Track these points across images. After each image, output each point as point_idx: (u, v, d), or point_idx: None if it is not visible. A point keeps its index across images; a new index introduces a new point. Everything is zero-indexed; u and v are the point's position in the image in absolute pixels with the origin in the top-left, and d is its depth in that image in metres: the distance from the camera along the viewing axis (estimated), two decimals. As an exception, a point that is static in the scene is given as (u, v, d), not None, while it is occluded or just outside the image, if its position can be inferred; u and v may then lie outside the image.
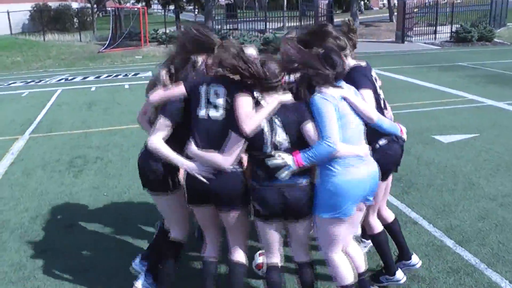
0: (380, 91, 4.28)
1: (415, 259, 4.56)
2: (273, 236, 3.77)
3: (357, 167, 3.52)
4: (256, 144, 3.53)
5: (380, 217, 4.43)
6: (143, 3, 40.02)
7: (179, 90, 3.72)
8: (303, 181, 3.55)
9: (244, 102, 3.51)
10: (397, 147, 4.22)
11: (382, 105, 4.30)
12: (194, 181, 3.62)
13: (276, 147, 3.50)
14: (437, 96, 13.03)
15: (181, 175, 3.97)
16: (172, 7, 43.20)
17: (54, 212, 6.40)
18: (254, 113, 3.47)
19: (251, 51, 4.14)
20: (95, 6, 43.71)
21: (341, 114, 3.51)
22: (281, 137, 3.51)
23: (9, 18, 33.93)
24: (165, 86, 3.78)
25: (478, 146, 8.46)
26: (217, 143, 3.57)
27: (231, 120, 3.51)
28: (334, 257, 3.75)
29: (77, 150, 9.06)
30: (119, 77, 19.00)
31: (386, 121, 4.04)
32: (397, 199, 6.35)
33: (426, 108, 11.53)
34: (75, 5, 46.67)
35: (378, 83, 4.29)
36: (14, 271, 4.95)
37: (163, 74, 3.87)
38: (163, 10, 38.55)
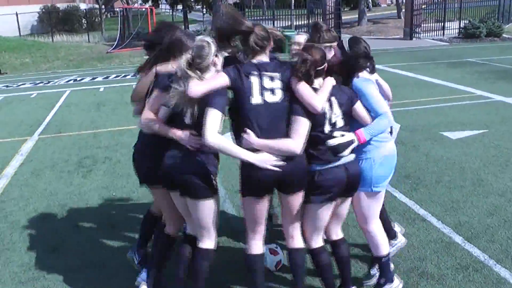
0: None
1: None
2: (327, 217, 3.85)
3: (389, 141, 3.99)
4: (317, 124, 3.61)
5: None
6: (151, 3, 40.07)
7: (223, 80, 3.57)
8: (355, 156, 3.78)
9: (305, 84, 3.56)
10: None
11: None
12: (260, 172, 3.47)
13: (334, 126, 3.66)
14: (446, 92, 12.97)
15: None
16: (180, 6, 43.26)
17: (63, 212, 6.44)
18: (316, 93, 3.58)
19: (303, 38, 4.45)
20: (103, 7, 43.91)
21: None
22: (338, 115, 3.67)
23: (17, 19, 34.18)
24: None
25: (487, 142, 8.42)
26: (277, 127, 3.56)
27: (292, 103, 3.56)
28: (373, 228, 4.09)
29: (85, 151, 9.10)
30: (128, 77, 19.06)
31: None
32: (405, 196, 6.33)
33: (435, 104, 11.48)
34: (83, 6, 46.91)
35: None
36: (23, 271, 4.99)
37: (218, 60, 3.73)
38: (171, 10, 38.60)
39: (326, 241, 4.13)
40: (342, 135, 3.65)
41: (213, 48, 3.61)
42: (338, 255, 4.06)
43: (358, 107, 3.75)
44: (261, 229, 3.83)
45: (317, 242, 3.93)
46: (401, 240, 4.85)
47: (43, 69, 24.14)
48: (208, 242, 3.88)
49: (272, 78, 3.58)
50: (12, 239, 5.73)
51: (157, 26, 4.56)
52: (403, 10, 35.82)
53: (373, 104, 3.74)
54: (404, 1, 32.65)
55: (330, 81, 3.71)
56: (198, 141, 3.57)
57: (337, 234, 4.11)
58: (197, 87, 3.48)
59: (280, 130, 3.55)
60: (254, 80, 3.57)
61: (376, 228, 4.10)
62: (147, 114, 3.83)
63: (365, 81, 3.84)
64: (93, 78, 19.37)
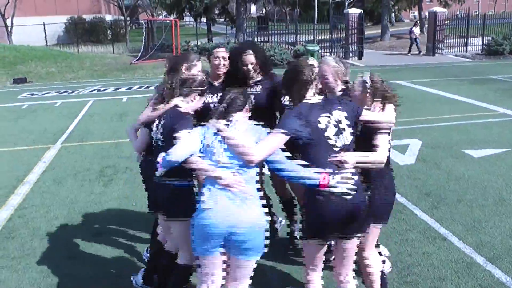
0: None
1: None
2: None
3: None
4: None
5: None
6: (176, 16, 40.45)
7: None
8: None
9: None
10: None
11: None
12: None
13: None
14: (468, 109, 12.85)
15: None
16: (204, 19, 43.58)
17: (83, 220, 6.49)
18: None
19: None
20: (128, 18, 44.45)
21: None
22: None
23: (45, 30, 34.71)
24: None
25: (510, 161, 8.31)
26: None
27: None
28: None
29: (107, 160, 9.18)
30: (151, 88, 19.19)
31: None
32: (426, 214, 6.27)
33: (457, 121, 11.38)
34: (108, 18, 47.61)
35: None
36: (43, 278, 5.03)
37: None
38: (195, 23, 38.90)
39: None
40: (159, 157, 3.80)
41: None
42: None
43: (177, 137, 3.72)
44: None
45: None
46: (388, 265, 4.61)
47: (68, 78, 24.45)
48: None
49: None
50: (32, 245, 5.79)
51: None
52: (426, 25, 35.65)
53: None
54: (427, 17, 32.47)
55: (171, 103, 4.02)
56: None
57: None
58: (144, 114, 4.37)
59: None
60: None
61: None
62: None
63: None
64: (117, 89, 19.57)
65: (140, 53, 30.88)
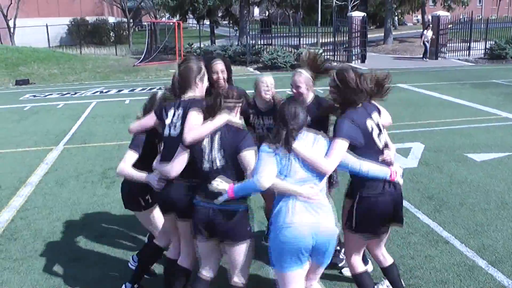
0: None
1: None
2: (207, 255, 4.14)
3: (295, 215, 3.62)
4: (196, 158, 3.90)
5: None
6: (179, 18, 40.49)
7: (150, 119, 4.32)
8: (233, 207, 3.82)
9: (195, 116, 3.93)
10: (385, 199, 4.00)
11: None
12: None
13: (212, 164, 3.78)
14: (471, 113, 12.85)
15: None
16: (207, 21, 43.63)
17: (85, 222, 6.50)
18: None
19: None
20: (131, 20, 44.51)
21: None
22: (218, 155, 3.78)
23: (47, 31, 34.76)
24: None
25: (513, 165, 8.31)
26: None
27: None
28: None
29: (110, 162, 9.18)
30: (154, 90, 19.23)
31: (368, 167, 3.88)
32: (428, 218, 6.26)
33: (460, 125, 11.38)
34: (111, 20, 47.63)
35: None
36: (45, 280, 5.04)
37: None
38: (198, 25, 38.96)
39: None
40: (220, 183, 3.64)
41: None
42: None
43: (245, 156, 3.66)
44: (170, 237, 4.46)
45: (204, 270, 4.07)
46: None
47: (71, 80, 24.50)
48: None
49: (178, 115, 3.96)
50: (34, 247, 5.80)
51: None
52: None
53: (256, 165, 3.58)
54: (431, 21, 32.47)
55: (220, 119, 3.78)
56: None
57: (239, 277, 3.92)
58: (132, 125, 4.43)
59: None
60: (170, 113, 4.01)
61: None
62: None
63: (264, 148, 3.64)
64: (119, 91, 19.60)
65: (143, 55, 30.91)
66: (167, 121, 3.99)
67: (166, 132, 4.00)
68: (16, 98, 18.60)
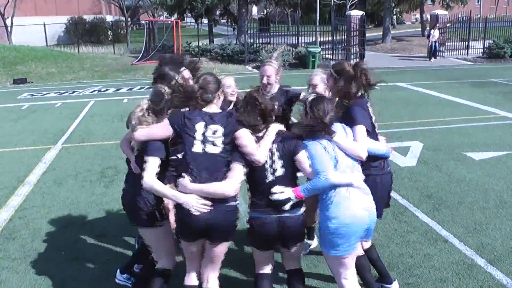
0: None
1: (395, 286, 4.51)
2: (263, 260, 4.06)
3: (348, 209, 3.75)
4: (258, 172, 3.78)
5: None
6: (177, 16, 40.45)
7: (165, 129, 3.88)
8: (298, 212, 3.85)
9: (247, 133, 3.75)
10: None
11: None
12: (189, 218, 3.66)
13: (274, 174, 3.78)
14: (469, 112, 12.86)
15: (169, 207, 4.29)
16: (205, 20, 43.61)
17: (84, 221, 6.49)
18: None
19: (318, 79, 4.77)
20: (129, 19, 44.47)
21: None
22: (279, 164, 3.78)
23: (45, 30, 34.67)
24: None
25: (511, 164, 8.31)
26: (215, 177, 3.72)
27: (232, 150, 3.75)
28: (342, 284, 3.92)
29: (108, 161, 9.17)
30: (152, 89, 19.20)
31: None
32: (427, 216, 6.27)
33: (458, 124, 11.38)
34: (109, 18, 47.59)
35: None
36: (43, 279, 5.03)
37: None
38: (196, 24, 38.93)
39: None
40: (281, 192, 3.71)
41: (167, 96, 3.98)
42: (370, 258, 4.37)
43: (301, 156, 3.77)
44: (197, 265, 4.01)
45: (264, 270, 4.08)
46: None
47: (68, 79, 24.46)
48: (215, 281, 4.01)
49: (215, 131, 3.74)
50: (33, 246, 5.79)
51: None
52: (428, 28, 35.69)
53: (314, 164, 3.74)
54: (429, 19, 32.50)
55: (275, 128, 3.83)
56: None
57: (294, 264, 4.10)
58: (140, 134, 3.88)
59: (216, 180, 3.68)
60: (199, 128, 3.75)
61: (346, 285, 3.89)
62: (122, 144, 4.58)
63: (312, 141, 3.81)
64: (117, 89, 19.57)
65: (141, 54, 30.84)
66: (198, 136, 3.72)
67: (198, 148, 3.71)
68: (14, 97, 18.57)
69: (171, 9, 39.88)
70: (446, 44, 29.98)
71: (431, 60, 28.11)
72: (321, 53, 26.90)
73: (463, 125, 11.30)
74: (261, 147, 3.69)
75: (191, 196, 3.62)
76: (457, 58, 28.85)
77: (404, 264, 5.07)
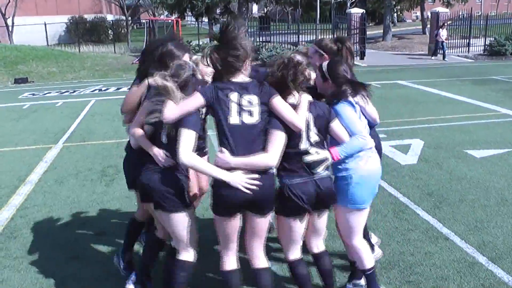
0: None
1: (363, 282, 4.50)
2: (301, 230, 3.93)
3: (369, 161, 4.01)
4: (293, 139, 3.70)
5: None
6: (177, 15, 40.47)
7: (197, 101, 3.62)
8: (329, 173, 3.90)
9: (283, 101, 3.67)
10: None
11: None
12: (231, 192, 3.52)
13: (309, 141, 3.75)
14: (470, 110, 12.85)
15: (194, 189, 4.23)
16: (205, 19, 43.63)
17: (85, 220, 6.49)
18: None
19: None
20: (129, 18, 44.46)
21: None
22: (314, 131, 3.77)
23: (46, 29, 34.71)
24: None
25: (512, 161, 8.31)
26: (253, 148, 3.60)
27: (270, 117, 3.64)
28: (356, 243, 4.13)
29: (109, 160, 9.18)
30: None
31: None
32: (428, 214, 6.26)
33: (459, 122, 11.37)
34: (110, 18, 47.60)
35: None
36: (45, 278, 5.03)
37: None
38: (196, 22, 38.94)
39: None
40: (317, 152, 3.72)
41: (190, 68, 3.80)
42: (321, 267, 4.13)
43: (336, 125, 3.85)
44: (234, 246, 3.87)
45: (294, 253, 4.01)
46: (377, 253, 4.90)
47: (69, 78, 24.48)
48: (185, 254, 3.96)
49: (250, 101, 3.59)
50: (34, 245, 5.79)
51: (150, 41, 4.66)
52: (428, 26, 35.67)
53: (348, 125, 3.87)
54: (430, 17, 32.48)
55: (306, 97, 3.78)
56: (169, 161, 3.76)
57: (318, 247, 4.15)
58: (171, 112, 3.56)
59: (255, 151, 3.57)
60: (233, 98, 3.58)
61: (359, 243, 4.14)
62: (135, 126, 4.06)
63: (341, 103, 3.93)
64: (118, 88, 19.58)
65: (141, 53, 30.87)
66: (233, 107, 3.55)
67: (235, 119, 3.54)
68: (15, 96, 18.58)
69: (172, 7, 40.00)
70: (447, 41, 29.95)
71: (435, 57, 27.97)
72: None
73: (464, 122, 11.29)
74: (299, 113, 3.64)
75: (236, 173, 3.49)
76: (458, 56, 28.84)
77: (405, 262, 5.07)
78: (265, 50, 27.24)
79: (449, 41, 29.98)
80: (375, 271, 4.23)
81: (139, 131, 4.01)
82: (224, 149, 3.54)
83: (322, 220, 4.03)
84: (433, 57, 28.05)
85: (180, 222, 3.82)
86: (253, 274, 3.89)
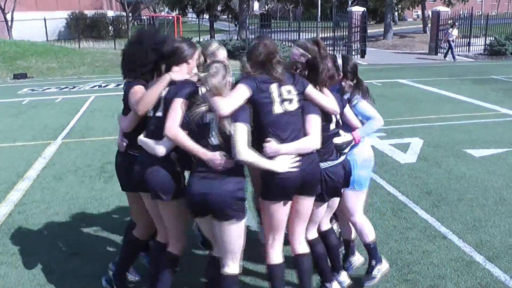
0: None
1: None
2: (324, 210, 4.19)
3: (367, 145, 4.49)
4: (325, 123, 3.94)
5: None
6: (178, 12, 40.45)
7: (246, 92, 3.65)
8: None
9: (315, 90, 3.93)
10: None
11: None
12: (284, 175, 3.62)
13: (337, 125, 4.11)
14: (470, 109, 12.85)
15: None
16: (206, 16, 43.62)
17: (84, 216, 6.49)
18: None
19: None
20: (130, 14, 44.39)
21: None
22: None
23: (45, 25, 34.65)
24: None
25: (511, 161, 8.30)
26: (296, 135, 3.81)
27: (304, 104, 3.84)
28: (359, 219, 4.47)
29: (108, 156, 9.17)
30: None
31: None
32: (426, 213, 6.26)
33: (459, 121, 11.37)
34: (110, 13, 47.49)
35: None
36: (43, 274, 5.03)
37: None
38: (197, 19, 38.91)
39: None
40: (345, 135, 4.10)
41: (228, 70, 3.72)
42: (328, 244, 4.35)
43: (348, 110, 4.21)
44: (281, 236, 3.91)
45: (313, 233, 4.23)
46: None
47: (69, 74, 24.44)
48: (232, 266, 3.79)
49: (289, 91, 3.76)
50: (32, 241, 5.80)
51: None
52: (429, 25, 35.64)
53: (367, 111, 4.35)
54: (430, 16, 32.45)
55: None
56: (231, 163, 3.53)
57: (327, 224, 4.43)
58: (226, 106, 3.47)
59: (300, 136, 3.74)
60: (274, 90, 3.71)
61: (361, 219, 4.49)
62: (174, 125, 3.60)
63: (359, 99, 4.37)
64: (118, 85, 19.52)
65: (142, 50, 30.81)
66: (275, 97, 3.67)
67: (279, 108, 3.66)
68: (14, 92, 18.56)
69: (172, 4, 39.99)
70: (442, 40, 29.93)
71: (449, 58, 27.19)
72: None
73: (463, 122, 11.29)
74: (332, 100, 3.91)
75: (283, 161, 3.60)
76: (458, 55, 28.80)
77: (403, 261, 5.07)
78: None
79: (443, 39, 29.96)
80: (375, 243, 4.53)
81: (182, 132, 3.59)
82: (270, 139, 3.62)
83: (337, 199, 4.27)
84: (446, 59, 27.33)
85: (240, 230, 3.71)
86: (294, 260, 4.03)
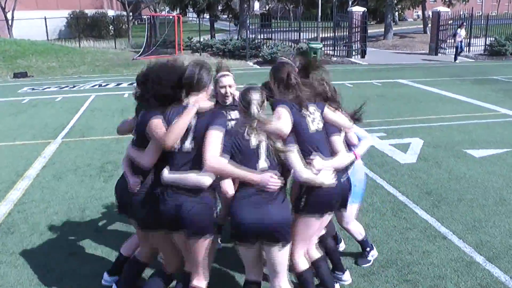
0: None
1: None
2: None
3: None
4: None
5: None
6: (179, 11, 40.40)
7: (289, 115, 3.84)
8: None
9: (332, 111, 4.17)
10: None
11: None
12: (329, 190, 3.84)
13: None
14: (470, 109, 12.84)
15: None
16: (207, 15, 43.58)
17: (83, 216, 6.48)
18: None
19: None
20: (130, 14, 44.37)
21: None
22: None
23: (46, 24, 34.62)
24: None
25: (511, 162, 8.29)
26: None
27: (327, 126, 4.07)
28: (352, 226, 4.90)
29: (108, 156, 9.17)
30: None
31: None
32: (426, 213, 6.26)
33: (459, 121, 11.36)
34: (111, 13, 47.48)
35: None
36: (42, 274, 5.02)
37: None
38: (198, 19, 38.87)
39: None
40: (349, 156, 4.18)
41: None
42: (326, 248, 4.55)
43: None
44: (308, 245, 4.20)
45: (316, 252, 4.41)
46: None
47: (69, 73, 24.43)
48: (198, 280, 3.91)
49: (313, 111, 4.00)
50: (31, 241, 5.78)
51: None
52: (429, 25, 35.62)
53: (360, 132, 4.58)
54: (431, 16, 32.43)
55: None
56: (282, 181, 3.65)
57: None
58: (285, 126, 3.75)
59: (330, 153, 4.00)
60: (304, 110, 3.94)
61: (355, 223, 4.93)
62: (216, 155, 3.54)
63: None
64: (118, 84, 19.55)
65: (142, 49, 30.81)
66: (308, 117, 3.91)
67: (313, 127, 3.92)
68: (14, 91, 18.56)
69: (173, 4, 39.91)
70: (448, 41, 29.91)
71: (456, 61, 26.49)
72: (323, 49, 26.85)
73: (463, 122, 11.28)
74: (344, 117, 4.17)
75: (328, 176, 3.78)
76: (459, 55, 28.78)
77: (402, 261, 5.07)
78: (266, 47, 27.21)
79: (450, 40, 29.94)
80: (366, 235, 5.05)
81: (225, 160, 3.57)
82: (315, 155, 3.83)
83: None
84: (457, 61, 26.54)
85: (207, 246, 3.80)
86: (313, 265, 4.17)
